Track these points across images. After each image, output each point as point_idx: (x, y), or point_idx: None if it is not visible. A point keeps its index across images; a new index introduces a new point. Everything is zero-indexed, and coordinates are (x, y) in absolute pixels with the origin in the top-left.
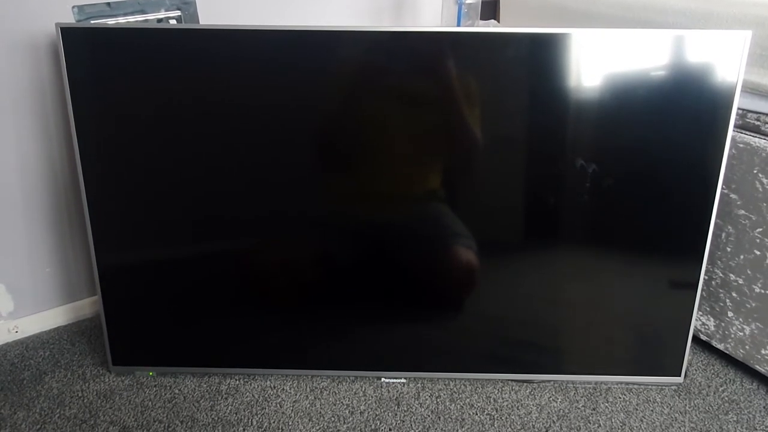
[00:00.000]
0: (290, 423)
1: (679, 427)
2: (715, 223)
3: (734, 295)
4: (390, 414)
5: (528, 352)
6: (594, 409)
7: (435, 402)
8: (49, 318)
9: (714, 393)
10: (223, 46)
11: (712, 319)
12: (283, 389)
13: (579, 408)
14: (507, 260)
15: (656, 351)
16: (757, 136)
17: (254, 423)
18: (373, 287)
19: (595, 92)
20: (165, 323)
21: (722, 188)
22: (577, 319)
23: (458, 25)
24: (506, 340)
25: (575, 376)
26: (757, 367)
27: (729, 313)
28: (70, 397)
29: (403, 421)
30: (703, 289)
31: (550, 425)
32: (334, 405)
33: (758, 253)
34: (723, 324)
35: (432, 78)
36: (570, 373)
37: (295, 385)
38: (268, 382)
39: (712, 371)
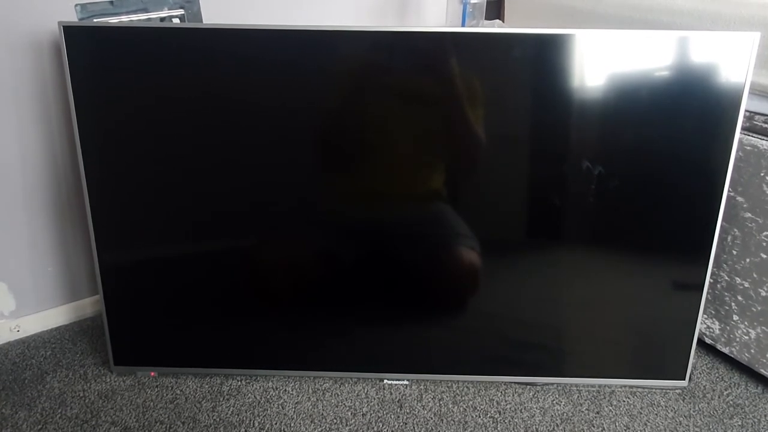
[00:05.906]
0: (292, 424)
1: (684, 431)
2: (721, 226)
3: (740, 298)
4: (392, 416)
5: (532, 354)
6: (598, 413)
7: (438, 404)
8: (50, 317)
9: (719, 397)
10: (226, 45)
11: (717, 323)
12: (285, 390)
13: (583, 411)
14: (510, 261)
15: (661, 354)
16: (765, 138)
17: (256, 424)
18: (375, 288)
19: (601, 93)
20: (167, 323)
21: (729, 191)
22: (581, 322)
23: (463, 25)
24: (509, 342)
25: (579, 379)
26: (762, 371)
27: (734, 316)
28: (71, 397)
29: (406, 424)
30: (708, 292)
31: (553, 428)
32: (336, 407)
33: (764, 256)
34: (728, 327)
35: (436, 78)
36: (574, 376)
37: (297, 386)
38: (270, 383)
39: (717, 375)
